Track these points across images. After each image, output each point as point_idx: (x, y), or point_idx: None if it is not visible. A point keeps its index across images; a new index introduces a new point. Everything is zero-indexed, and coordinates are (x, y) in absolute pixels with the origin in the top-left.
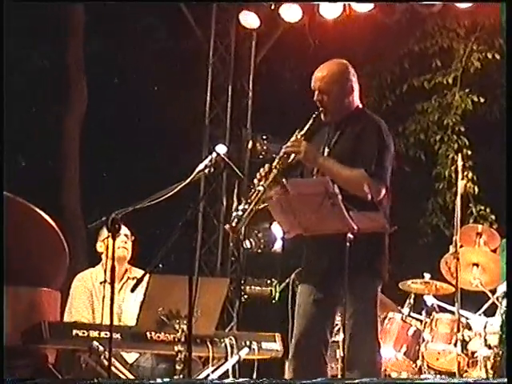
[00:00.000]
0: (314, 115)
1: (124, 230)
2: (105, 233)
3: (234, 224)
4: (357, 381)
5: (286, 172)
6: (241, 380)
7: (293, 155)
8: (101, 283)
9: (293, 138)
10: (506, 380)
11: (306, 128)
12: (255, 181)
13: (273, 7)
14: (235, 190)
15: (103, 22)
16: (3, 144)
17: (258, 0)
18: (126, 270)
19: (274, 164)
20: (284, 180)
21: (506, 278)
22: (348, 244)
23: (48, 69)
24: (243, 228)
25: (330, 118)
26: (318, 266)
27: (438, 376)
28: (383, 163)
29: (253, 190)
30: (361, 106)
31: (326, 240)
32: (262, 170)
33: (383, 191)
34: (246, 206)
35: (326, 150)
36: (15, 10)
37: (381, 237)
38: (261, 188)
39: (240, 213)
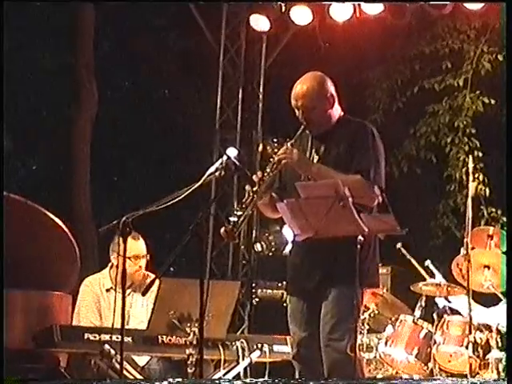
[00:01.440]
0: (303, 127)
1: (141, 249)
2: (116, 246)
3: (228, 229)
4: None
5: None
6: (248, 380)
7: (284, 162)
8: (107, 290)
9: (284, 147)
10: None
11: (295, 137)
12: (247, 187)
13: (283, 10)
14: None
15: (114, 25)
16: (3, 143)
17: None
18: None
19: (268, 171)
20: (296, 184)
21: (506, 278)
22: (359, 247)
23: (59, 71)
24: (242, 232)
25: (315, 130)
26: (307, 281)
27: (449, 378)
28: (378, 167)
29: (246, 196)
30: (342, 113)
31: (326, 248)
32: (255, 176)
33: (379, 195)
34: (240, 212)
35: (316, 157)
36: (28, 12)
37: (370, 244)
38: (254, 193)
39: (235, 218)
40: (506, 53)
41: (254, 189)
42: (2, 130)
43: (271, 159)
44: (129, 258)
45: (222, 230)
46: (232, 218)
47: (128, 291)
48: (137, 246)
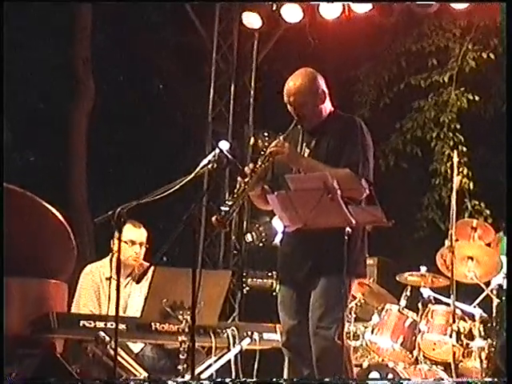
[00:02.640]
0: (295, 121)
1: (142, 236)
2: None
3: (219, 217)
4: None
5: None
6: (254, 380)
7: (276, 155)
8: (107, 279)
9: (276, 141)
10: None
11: (287, 131)
12: (239, 178)
13: (274, 8)
14: None
15: (111, 22)
16: (3, 142)
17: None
18: (134, 268)
19: (259, 163)
20: (286, 176)
21: (506, 277)
22: (346, 238)
23: (58, 66)
24: (233, 220)
25: (307, 125)
26: (297, 271)
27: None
28: (366, 161)
29: (238, 186)
30: (332, 108)
31: (315, 239)
32: (246, 168)
33: (367, 188)
34: (231, 202)
35: (306, 151)
36: (28, 10)
37: (357, 235)
38: (245, 185)
39: (226, 208)
40: (506, 53)
41: (246, 180)
42: (2, 128)
43: (262, 152)
44: (125, 242)
45: (214, 218)
46: (223, 208)
47: (127, 280)
48: (135, 232)
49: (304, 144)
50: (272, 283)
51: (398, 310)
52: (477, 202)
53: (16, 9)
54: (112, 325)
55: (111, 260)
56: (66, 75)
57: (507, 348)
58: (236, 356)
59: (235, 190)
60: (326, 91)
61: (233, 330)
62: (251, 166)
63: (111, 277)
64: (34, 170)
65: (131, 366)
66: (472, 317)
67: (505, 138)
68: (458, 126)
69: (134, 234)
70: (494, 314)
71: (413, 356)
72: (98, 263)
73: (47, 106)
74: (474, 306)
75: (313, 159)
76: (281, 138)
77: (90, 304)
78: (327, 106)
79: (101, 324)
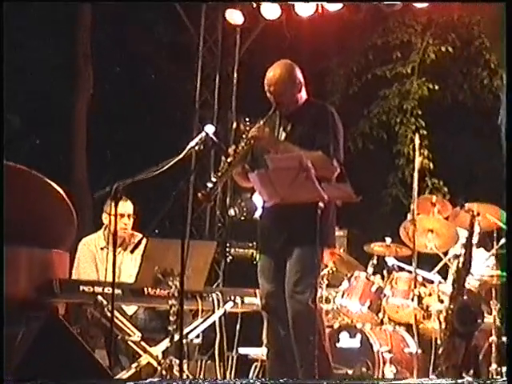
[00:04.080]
0: (273, 107)
1: (128, 208)
2: (108, 207)
3: (205, 192)
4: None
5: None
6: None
7: (256, 138)
8: (101, 249)
9: (256, 125)
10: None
11: (266, 117)
12: (223, 158)
13: (255, 6)
14: None
15: (108, 19)
16: (3, 140)
17: (241, 0)
18: (125, 238)
19: (241, 145)
20: (266, 157)
21: (506, 277)
22: (319, 212)
23: (61, 58)
24: (218, 196)
25: (284, 111)
26: (275, 241)
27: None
28: (337, 143)
29: (222, 165)
30: (307, 96)
31: (291, 213)
32: (230, 149)
33: (338, 169)
34: (215, 179)
35: (283, 134)
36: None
37: (329, 209)
38: (228, 164)
39: (210, 184)
40: (506, 53)
41: (229, 160)
42: (2, 127)
43: (244, 135)
44: (114, 215)
45: (199, 194)
46: (208, 184)
47: (118, 250)
48: (123, 206)
49: (281, 128)
50: (252, 253)
51: (366, 277)
52: (436, 181)
53: (21, 6)
54: (109, 290)
55: (103, 232)
56: (68, 65)
57: (507, 348)
58: (220, 318)
59: (219, 169)
60: (302, 81)
61: (217, 294)
62: (234, 147)
63: (105, 246)
64: (40, 151)
65: (126, 326)
66: (431, 282)
67: (505, 139)
68: (420, 112)
69: (121, 208)
70: (451, 281)
71: (379, 318)
72: (93, 236)
73: (51, 93)
74: (434, 273)
75: (289, 143)
76: (261, 122)
77: (89, 270)
78: (303, 94)
79: (99, 289)
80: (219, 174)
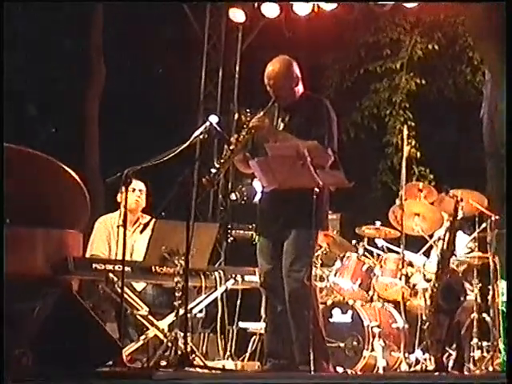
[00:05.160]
0: (272, 100)
1: (140, 185)
2: (123, 188)
3: (209, 178)
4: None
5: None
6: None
7: (257, 128)
8: (117, 227)
9: (257, 116)
10: (506, 380)
11: (266, 109)
12: (225, 146)
13: (256, 5)
14: None
15: (119, 16)
16: (3, 138)
17: (245, 0)
18: (139, 218)
19: (242, 134)
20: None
21: (506, 276)
22: (314, 197)
23: (75, 52)
24: (221, 182)
25: (282, 103)
26: (273, 224)
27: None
28: (331, 134)
29: (224, 153)
30: (304, 90)
31: (288, 197)
32: (232, 138)
33: (332, 157)
34: (218, 166)
35: (281, 125)
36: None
37: (323, 195)
38: (230, 152)
39: (214, 170)
40: (506, 53)
41: (231, 148)
42: (2, 125)
43: (245, 125)
44: (125, 198)
45: (204, 179)
46: (212, 170)
47: (133, 228)
48: (135, 183)
49: (280, 119)
50: (252, 235)
51: (357, 257)
52: (422, 168)
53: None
54: (119, 267)
55: (120, 211)
56: (82, 59)
57: (507, 347)
58: (222, 294)
59: (222, 156)
60: (299, 75)
61: (219, 272)
62: (236, 136)
63: (120, 225)
64: (56, 139)
65: (135, 301)
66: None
67: (505, 138)
68: (408, 105)
69: (133, 185)
70: (436, 261)
71: (369, 295)
72: (110, 214)
73: (66, 84)
74: (420, 255)
75: (287, 133)
76: (261, 114)
77: (102, 247)
78: (300, 88)
79: (110, 267)
80: (222, 161)
